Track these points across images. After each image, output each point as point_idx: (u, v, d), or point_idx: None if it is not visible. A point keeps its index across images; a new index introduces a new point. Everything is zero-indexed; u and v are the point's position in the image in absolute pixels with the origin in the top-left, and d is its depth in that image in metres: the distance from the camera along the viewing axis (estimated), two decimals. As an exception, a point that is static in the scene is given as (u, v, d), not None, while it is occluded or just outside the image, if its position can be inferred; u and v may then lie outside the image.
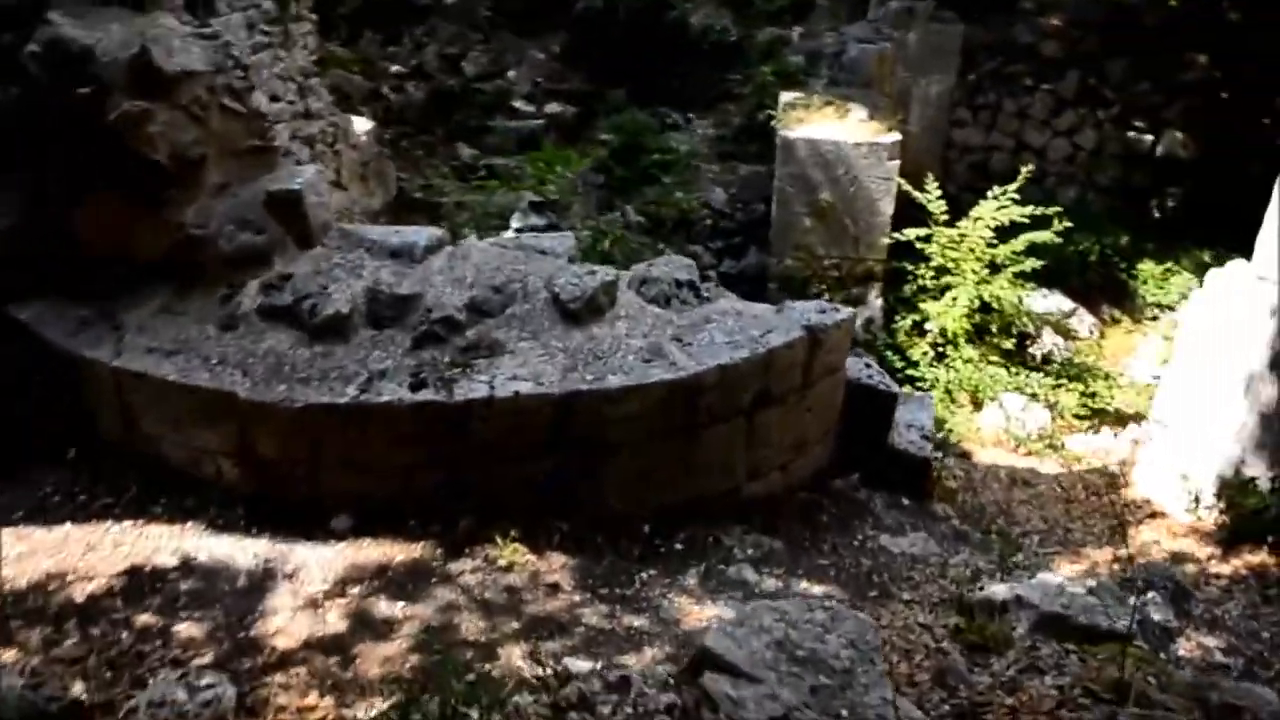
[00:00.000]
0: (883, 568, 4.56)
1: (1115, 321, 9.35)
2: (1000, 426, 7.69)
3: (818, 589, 4.28)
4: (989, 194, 8.38)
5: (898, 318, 8.80)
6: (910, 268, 8.72)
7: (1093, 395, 8.22)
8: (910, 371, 8.39)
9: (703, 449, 4.47)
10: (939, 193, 8.54)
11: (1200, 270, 9.24)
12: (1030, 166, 8.49)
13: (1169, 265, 9.25)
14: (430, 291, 4.49)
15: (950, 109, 10.33)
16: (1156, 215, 10.21)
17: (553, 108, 9.69)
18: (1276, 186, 4.93)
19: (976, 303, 8.15)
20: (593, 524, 4.32)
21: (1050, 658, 3.49)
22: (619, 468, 4.33)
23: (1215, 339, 5.16)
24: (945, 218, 8.46)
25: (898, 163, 8.54)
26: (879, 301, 8.99)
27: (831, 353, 4.79)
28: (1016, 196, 8.13)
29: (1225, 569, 4.51)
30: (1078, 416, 8.11)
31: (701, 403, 4.32)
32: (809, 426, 4.90)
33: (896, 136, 8.49)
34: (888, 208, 8.66)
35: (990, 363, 8.28)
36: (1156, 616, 3.79)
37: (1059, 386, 8.24)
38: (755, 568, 4.38)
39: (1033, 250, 8.09)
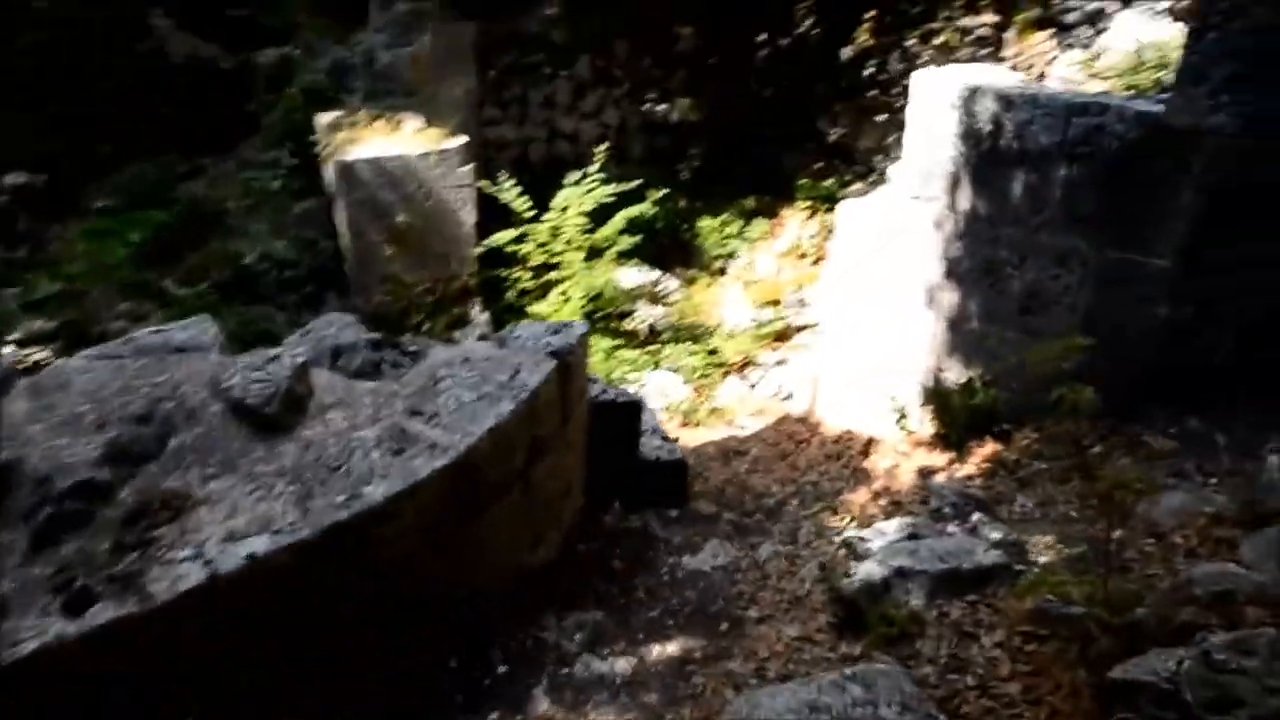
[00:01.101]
0: (708, 593, 4.02)
1: (691, 281, 9.77)
2: (658, 406, 7.56)
3: (673, 648, 3.61)
4: (568, 180, 8.16)
5: (509, 327, 8.23)
6: (507, 274, 8.21)
7: (713, 351, 8.48)
8: (543, 379, 7.90)
9: (487, 537, 3.52)
10: (518, 189, 8.11)
11: (746, 216, 10.04)
12: (607, 145, 8.42)
13: (723, 218, 9.87)
14: (33, 452, 2.90)
15: (479, 108, 9.92)
16: (685, 176, 10.83)
17: (13, 179, 7.37)
18: (909, 120, 5.24)
19: (591, 291, 7.91)
20: (386, 686, 3.16)
21: (970, 616, 3.25)
22: (396, 598, 3.22)
23: (880, 266, 5.44)
24: (531, 214, 8.06)
25: (471, 167, 7.93)
26: (485, 316, 8.35)
27: (579, 376, 4.09)
28: (602, 176, 8.01)
29: (972, 469, 4.73)
30: (704, 376, 8.33)
31: (481, 481, 3.37)
32: (572, 467, 4.16)
33: (464, 139, 7.87)
34: (470, 216, 8.03)
35: (617, 348, 8.12)
36: (995, 534, 3.75)
37: (684, 352, 8.37)
38: (595, 652, 3.57)
39: (631, 226, 8.05)
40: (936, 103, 4.87)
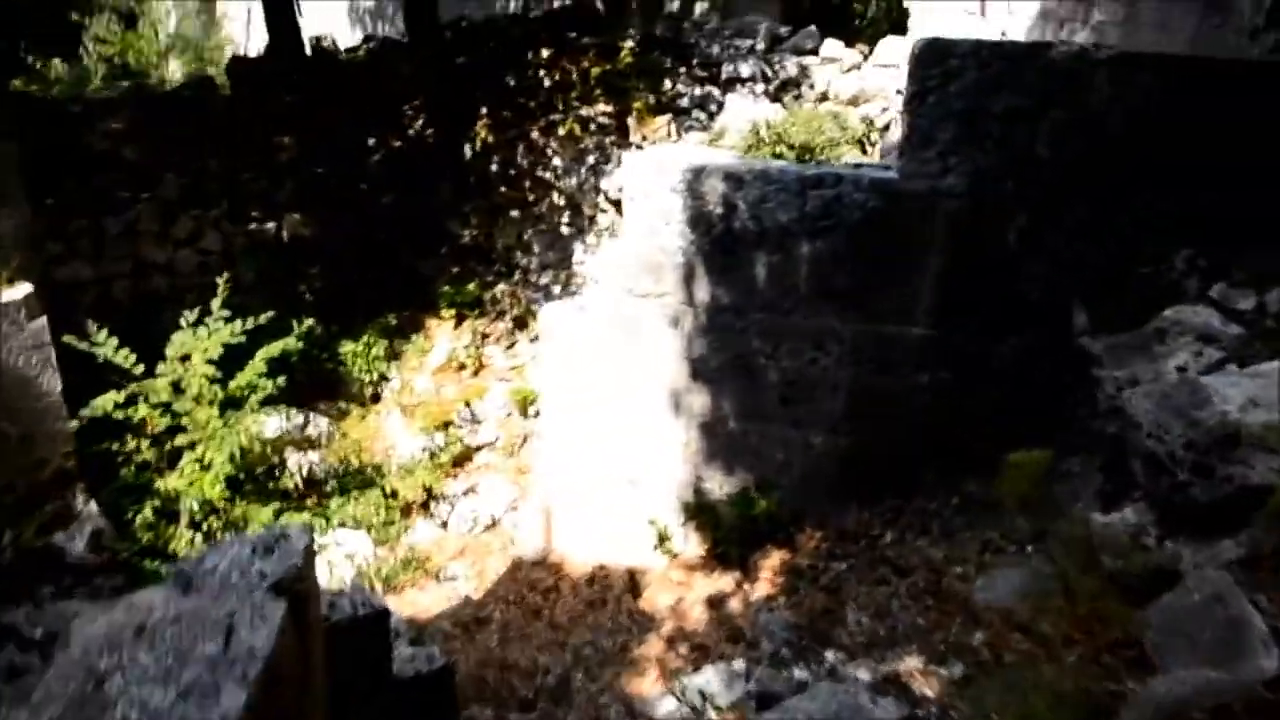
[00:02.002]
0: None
1: (343, 416, 8.57)
2: (348, 574, 6.31)
3: None
4: (182, 323, 6.68)
5: (131, 514, 6.50)
6: (119, 447, 6.50)
7: (390, 494, 7.39)
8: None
9: None
10: (115, 341, 6.48)
11: (390, 334, 9.08)
12: (227, 275, 7.00)
13: (365, 340, 8.81)
14: None
15: (38, 245, 7.96)
16: (309, 297, 9.62)
17: None
18: (626, 210, 4.74)
19: (236, 454, 6.46)
20: None
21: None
22: None
23: (606, 373, 4.86)
24: (140, 369, 6.47)
25: (44, 320, 6.16)
26: (93, 507, 6.51)
27: (314, 607, 2.97)
28: (226, 314, 6.63)
29: (768, 587, 4.29)
30: (390, 523, 7.21)
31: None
32: None
33: (26, 287, 6.10)
34: (54, 383, 6.23)
35: (279, 514, 6.72)
36: (862, 673, 3.30)
37: (356, 501, 7.18)
38: None
39: (275, 367, 6.74)
40: (653, 187, 4.51)
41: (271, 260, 9.25)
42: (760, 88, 8.91)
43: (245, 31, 18.54)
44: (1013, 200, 3.77)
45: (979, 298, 4.02)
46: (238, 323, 6.66)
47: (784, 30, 10.10)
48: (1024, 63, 3.67)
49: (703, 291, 4.55)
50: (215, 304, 6.66)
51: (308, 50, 10.80)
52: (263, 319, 6.77)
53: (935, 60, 3.79)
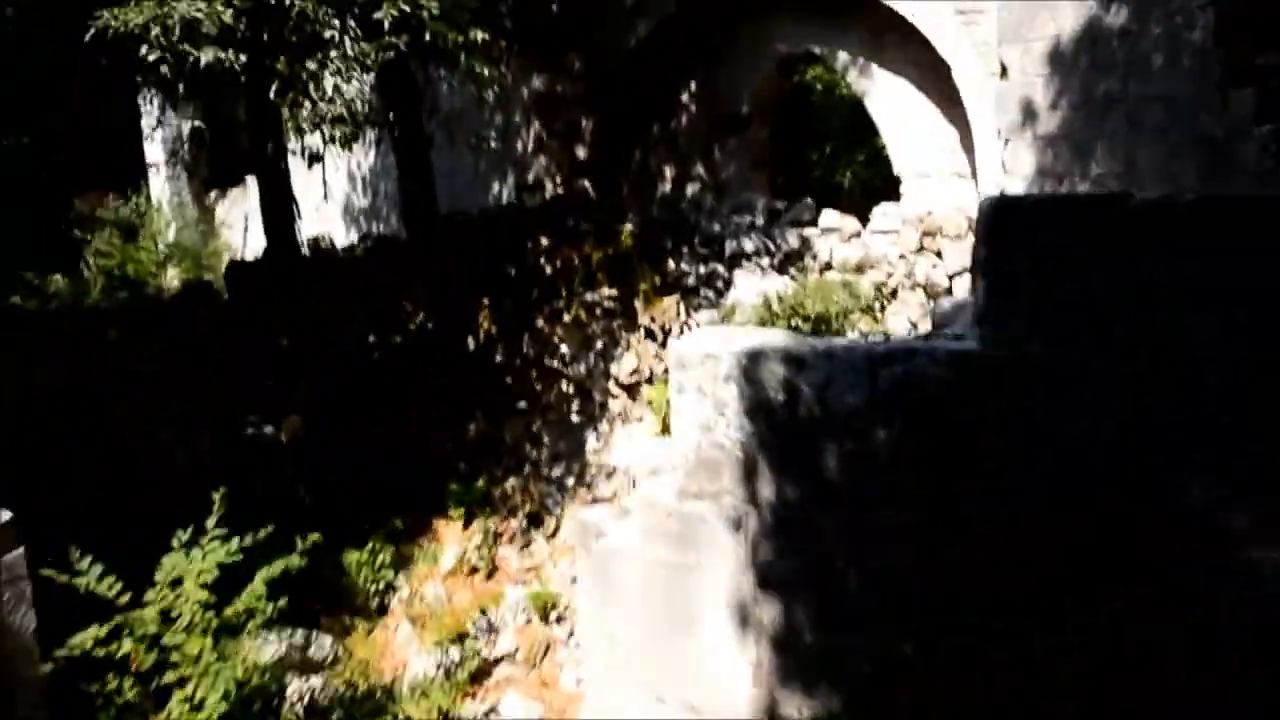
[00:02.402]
0: None
1: (348, 631, 7.92)
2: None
3: None
4: (174, 543, 6.16)
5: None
6: (98, 688, 5.84)
7: (404, 720, 6.68)
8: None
9: None
10: (99, 569, 5.94)
11: (396, 539, 8.56)
12: (223, 490, 6.54)
13: (370, 547, 8.28)
14: None
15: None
16: (309, 501, 9.14)
17: None
18: (674, 404, 4.33)
19: (232, 689, 5.81)
20: None
21: None
22: None
23: (656, 587, 4.33)
24: (126, 598, 5.90)
25: (21, 551, 5.66)
26: (71, 761, 5.78)
27: None
28: (223, 531, 6.13)
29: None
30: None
31: None
32: None
33: (5, 515, 5.63)
34: (29, 620, 5.64)
35: (279, 753, 6.00)
36: None
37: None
38: None
39: (276, 587, 6.18)
40: (703, 376, 4.16)
41: (270, 466, 8.83)
42: (765, 261, 8.82)
43: (243, 238, 18.90)
44: (1105, 361, 3.43)
45: (1074, 470, 3.61)
46: (235, 540, 6.15)
47: (780, 204, 10.16)
48: (1103, 214, 3.43)
49: (767, 488, 4.11)
50: (210, 521, 6.17)
51: (305, 251, 10.81)
52: (262, 534, 6.28)
53: (1007, 219, 3.55)
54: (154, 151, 19.15)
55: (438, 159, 14.71)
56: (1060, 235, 3.43)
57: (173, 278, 17.58)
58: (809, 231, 9.74)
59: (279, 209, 10.67)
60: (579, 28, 13.32)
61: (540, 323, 8.94)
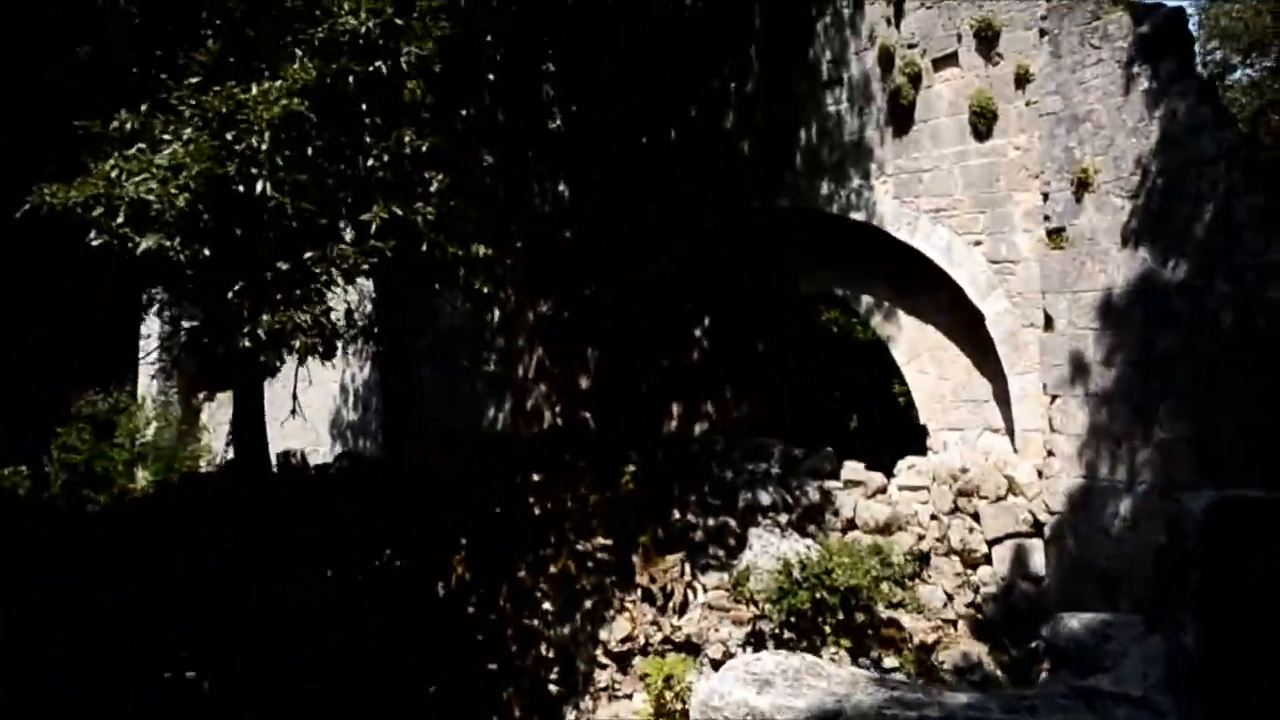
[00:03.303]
0: None
1: None
2: None
3: None
4: None
5: None
6: None
7: None
8: None
9: None
10: None
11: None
12: None
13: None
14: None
15: None
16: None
17: None
18: None
19: None
20: None
21: None
22: None
23: None
24: None
25: None
26: None
27: None
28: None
29: None
30: None
31: None
32: None
33: None
34: None
35: None
36: None
37: None
38: None
39: None
40: None
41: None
42: (784, 518, 7.75)
43: (225, 444, 17.95)
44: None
45: None
46: None
47: (798, 451, 9.22)
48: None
49: None
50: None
51: (274, 466, 9.78)
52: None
53: (1240, 532, 2.49)
54: (150, 344, 18.58)
55: (432, 378, 14.02)
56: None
57: (142, 479, 16.50)
58: (830, 484, 8.74)
59: (247, 419, 9.75)
60: (594, 253, 12.97)
61: (522, 572, 7.76)
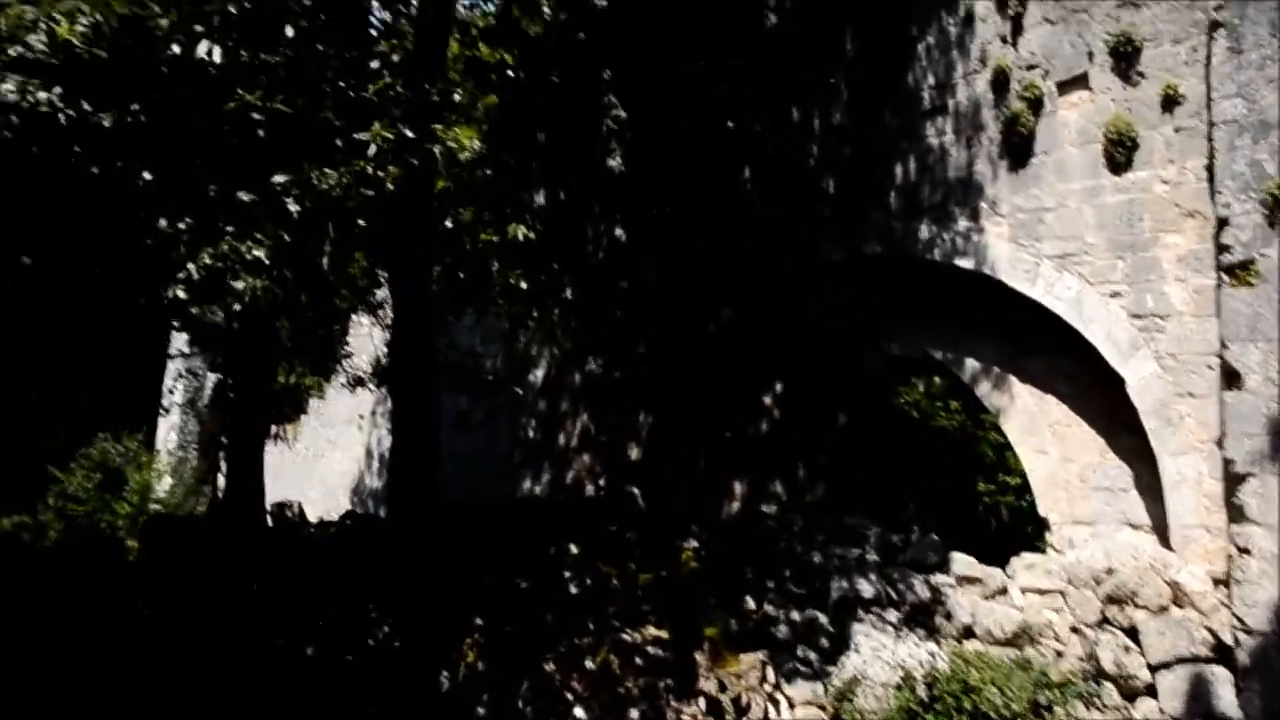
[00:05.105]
0: None
1: None
2: None
3: None
4: None
5: None
6: None
7: None
8: None
9: None
10: None
11: None
12: None
13: None
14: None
15: None
16: None
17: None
18: None
19: None
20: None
21: None
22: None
23: None
24: None
25: None
26: None
27: None
28: None
29: None
30: None
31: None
32: None
33: None
34: None
35: None
36: None
37: None
38: None
39: None
40: None
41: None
42: (892, 614, 6.01)
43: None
44: None
45: None
46: None
47: (897, 538, 7.49)
48: None
49: None
50: None
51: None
52: None
53: None
54: (172, 386, 17.39)
55: (465, 440, 12.53)
56: None
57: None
58: (940, 579, 6.99)
59: (245, 466, 8.32)
60: (650, 306, 11.55)
61: (550, 665, 6.05)
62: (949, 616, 6.61)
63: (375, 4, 5.65)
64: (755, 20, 10.83)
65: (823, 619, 6.09)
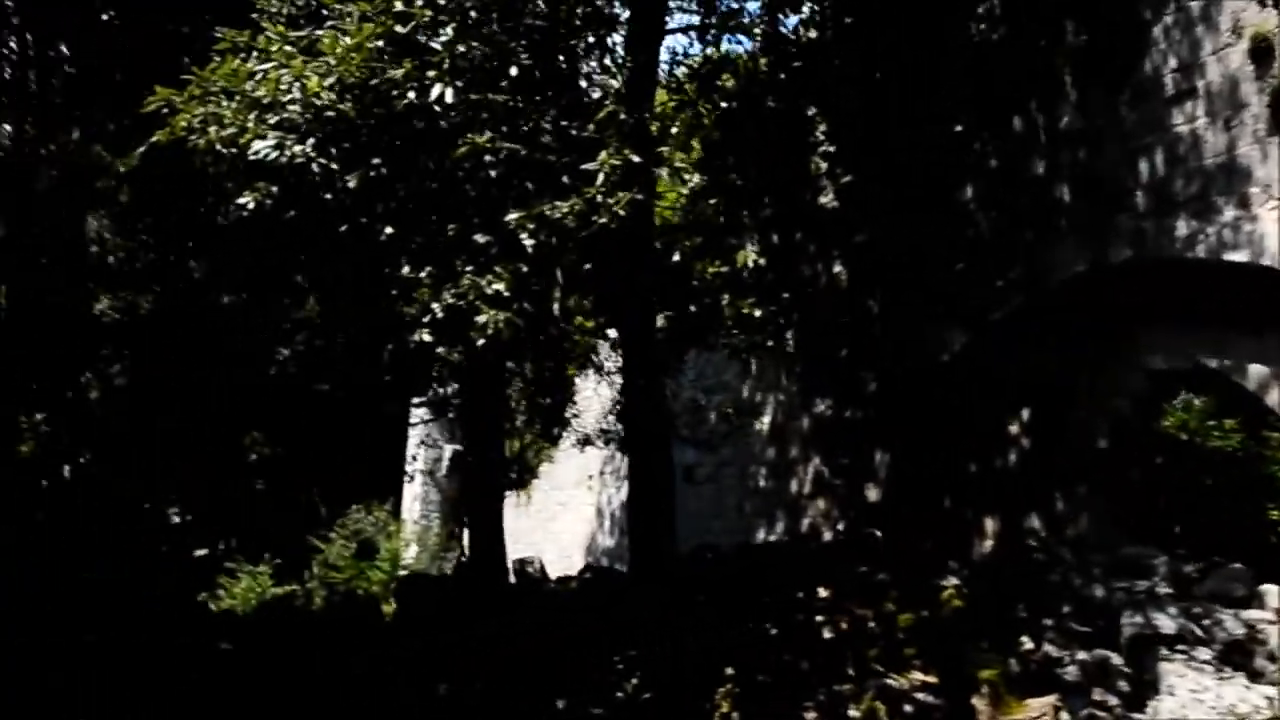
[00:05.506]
0: None
1: None
2: None
3: None
4: None
5: None
6: None
7: None
8: None
9: None
10: None
11: None
12: None
13: None
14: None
15: None
16: None
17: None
18: None
19: None
20: None
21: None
22: None
23: None
24: None
25: None
26: None
27: None
28: None
29: None
30: None
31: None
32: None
33: None
34: None
35: None
36: None
37: None
38: None
39: None
40: None
41: None
42: (1204, 653, 5.22)
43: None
44: None
45: None
46: None
47: (1191, 568, 6.59)
48: None
49: None
50: None
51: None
52: None
53: None
54: (414, 454, 18.41)
55: (695, 497, 12.44)
56: None
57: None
58: (1252, 614, 6.03)
59: (488, 525, 8.55)
60: (876, 342, 11.07)
61: (811, 714, 5.66)
62: (1273, 657, 5.67)
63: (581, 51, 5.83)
64: (963, 35, 10.33)
65: (1116, 659, 5.36)
